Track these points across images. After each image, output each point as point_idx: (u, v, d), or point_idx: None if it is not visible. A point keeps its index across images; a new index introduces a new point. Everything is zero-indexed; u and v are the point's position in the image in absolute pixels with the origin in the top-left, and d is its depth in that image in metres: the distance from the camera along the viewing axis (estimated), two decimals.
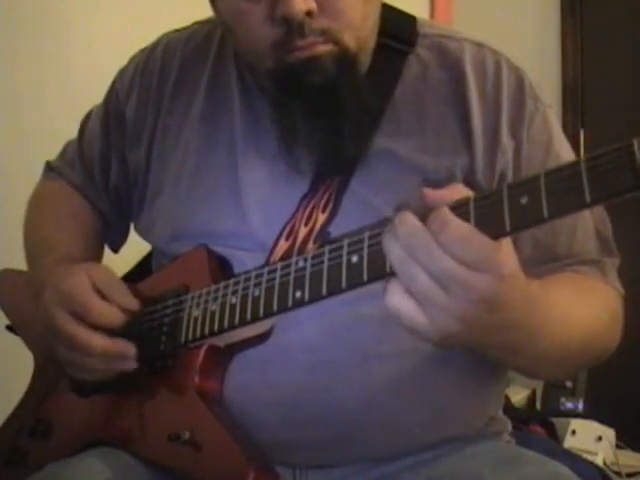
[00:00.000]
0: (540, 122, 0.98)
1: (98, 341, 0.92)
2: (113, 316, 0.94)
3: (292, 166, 0.95)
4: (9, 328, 1.18)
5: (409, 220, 0.65)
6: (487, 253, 0.63)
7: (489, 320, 0.67)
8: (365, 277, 0.72)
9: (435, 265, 0.64)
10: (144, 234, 1.09)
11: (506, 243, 0.65)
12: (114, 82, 1.15)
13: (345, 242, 0.74)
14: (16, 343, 1.16)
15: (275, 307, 0.82)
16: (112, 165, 1.14)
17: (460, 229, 0.63)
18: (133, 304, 0.96)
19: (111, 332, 0.93)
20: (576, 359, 0.90)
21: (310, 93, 0.90)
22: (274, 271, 0.83)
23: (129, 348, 0.93)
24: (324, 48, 0.89)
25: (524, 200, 0.62)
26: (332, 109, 0.91)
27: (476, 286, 0.64)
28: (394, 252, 0.66)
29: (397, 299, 0.66)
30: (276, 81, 0.92)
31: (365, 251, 0.72)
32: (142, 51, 1.14)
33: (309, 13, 0.86)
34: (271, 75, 0.92)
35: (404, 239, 0.65)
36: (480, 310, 0.66)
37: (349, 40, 0.90)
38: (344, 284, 0.74)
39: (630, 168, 0.56)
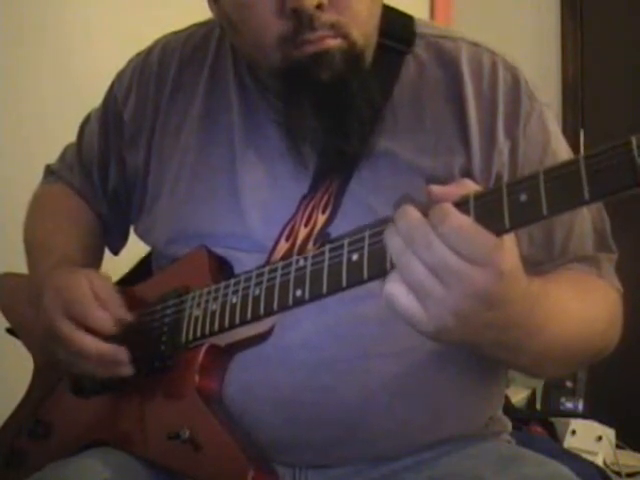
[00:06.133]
0: (537, 121, 0.98)
1: (92, 345, 0.93)
2: (108, 324, 0.94)
3: (299, 165, 0.95)
4: (9, 331, 1.18)
5: (409, 212, 0.66)
6: (487, 247, 0.64)
7: (486, 317, 0.67)
8: (365, 275, 0.72)
9: (433, 256, 0.64)
10: (144, 237, 1.09)
11: (508, 240, 0.65)
12: (112, 85, 1.15)
13: (346, 241, 0.75)
14: (16, 344, 1.17)
15: (275, 306, 0.82)
16: (111, 168, 1.14)
17: (460, 221, 0.64)
18: (127, 316, 0.96)
19: (109, 338, 0.94)
20: (576, 357, 0.90)
21: (318, 89, 0.90)
22: (275, 270, 0.83)
23: (122, 353, 0.93)
24: (333, 42, 0.89)
25: (523, 197, 0.62)
26: (340, 105, 0.92)
27: (473, 280, 0.64)
28: (393, 243, 0.66)
29: (395, 289, 0.66)
30: (283, 78, 0.92)
31: (366, 249, 0.72)
32: (140, 54, 1.14)
33: (319, 6, 0.86)
34: (277, 72, 0.92)
35: (404, 230, 0.65)
36: (476, 305, 0.66)
37: (357, 35, 0.90)
38: (344, 282, 0.74)
39: (629, 165, 0.57)
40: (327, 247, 0.77)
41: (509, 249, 0.66)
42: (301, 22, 0.87)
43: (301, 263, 0.80)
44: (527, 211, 0.62)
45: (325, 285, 0.76)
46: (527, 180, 0.62)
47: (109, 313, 0.95)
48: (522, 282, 0.69)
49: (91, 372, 0.95)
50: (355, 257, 0.73)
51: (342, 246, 0.75)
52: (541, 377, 2.10)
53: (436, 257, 0.64)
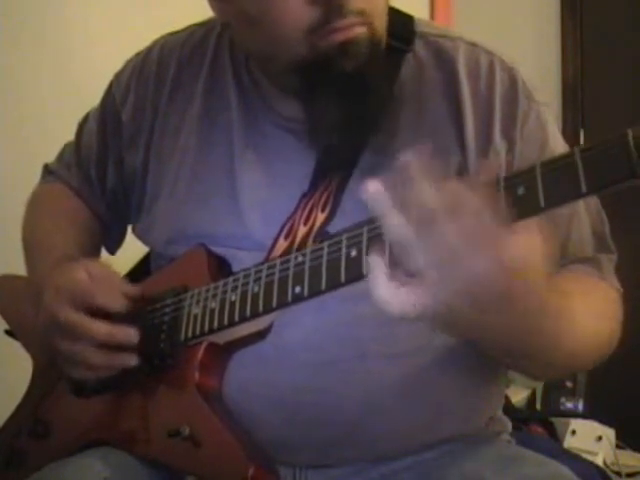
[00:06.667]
0: (534, 121, 0.97)
1: (101, 327, 0.92)
2: (116, 299, 0.94)
3: (315, 162, 0.95)
4: (8, 332, 1.18)
5: (423, 187, 0.62)
6: (493, 230, 0.60)
7: (485, 317, 0.64)
8: (364, 271, 0.72)
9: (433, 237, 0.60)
10: (143, 237, 1.09)
11: (530, 237, 0.61)
12: (110, 85, 1.15)
13: (344, 236, 0.74)
14: (16, 345, 1.17)
15: (274, 303, 0.82)
16: (109, 168, 1.14)
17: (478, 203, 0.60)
18: (133, 290, 0.96)
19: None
20: (580, 361, 0.89)
21: (340, 80, 0.90)
22: (273, 267, 0.83)
23: (132, 333, 0.93)
24: (360, 30, 0.89)
25: (520, 191, 0.62)
26: (360, 96, 0.92)
27: (470, 263, 0.60)
28: (396, 217, 0.63)
29: (382, 282, 0.63)
30: (304, 72, 0.92)
31: (364, 244, 0.72)
32: (139, 54, 1.14)
33: None
34: (299, 66, 0.91)
35: (417, 206, 0.61)
36: (469, 293, 0.62)
37: (378, 25, 0.92)
38: (343, 278, 0.74)
39: (625, 157, 0.57)
40: (325, 243, 0.77)
41: (523, 245, 0.61)
42: (331, 9, 0.87)
43: (299, 259, 0.80)
44: (524, 204, 0.61)
45: (324, 281, 0.76)
46: (524, 173, 0.62)
47: (114, 291, 0.94)
48: (538, 290, 0.65)
49: (93, 365, 0.94)
50: (354, 253, 0.73)
51: (340, 241, 0.75)
52: (543, 380, 2.11)
53: (437, 237, 0.60)
